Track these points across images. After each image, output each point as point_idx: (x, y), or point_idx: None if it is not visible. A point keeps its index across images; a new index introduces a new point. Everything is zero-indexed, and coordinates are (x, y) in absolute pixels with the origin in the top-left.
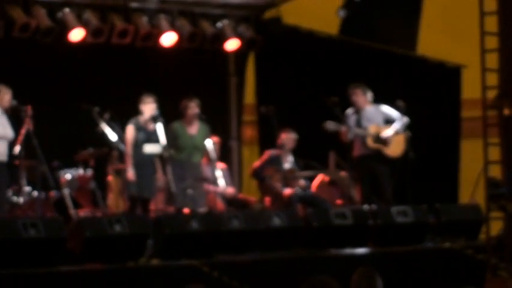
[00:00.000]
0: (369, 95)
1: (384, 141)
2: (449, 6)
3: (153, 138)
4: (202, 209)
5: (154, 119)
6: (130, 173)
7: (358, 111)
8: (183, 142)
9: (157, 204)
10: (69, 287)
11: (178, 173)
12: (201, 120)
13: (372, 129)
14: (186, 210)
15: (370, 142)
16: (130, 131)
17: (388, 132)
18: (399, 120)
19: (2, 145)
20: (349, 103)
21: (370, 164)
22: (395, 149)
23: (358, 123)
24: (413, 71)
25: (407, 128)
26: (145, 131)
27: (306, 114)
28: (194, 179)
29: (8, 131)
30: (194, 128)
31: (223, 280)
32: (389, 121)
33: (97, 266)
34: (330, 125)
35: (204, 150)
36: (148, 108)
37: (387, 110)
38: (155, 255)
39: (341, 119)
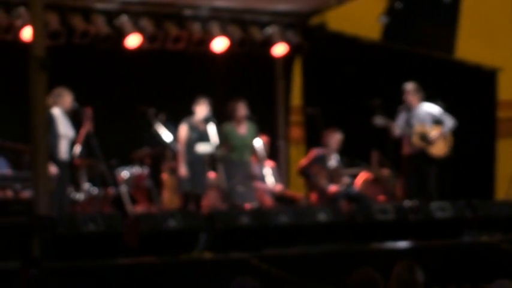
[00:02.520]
0: (421, 95)
1: (429, 141)
2: (485, 13)
3: (204, 137)
4: (252, 205)
5: (206, 120)
6: (183, 170)
7: (409, 109)
8: (235, 142)
9: (209, 201)
10: (126, 279)
11: (231, 172)
12: (249, 120)
13: (418, 128)
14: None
15: (415, 140)
16: (183, 130)
17: (433, 132)
18: (447, 122)
19: (64, 144)
20: (390, 105)
21: (417, 163)
22: (439, 149)
23: (408, 121)
24: (451, 74)
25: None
26: (197, 131)
27: (349, 115)
28: (244, 176)
29: (69, 131)
30: (244, 128)
31: (271, 272)
32: (438, 122)
33: (152, 259)
34: (379, 120)
35: (252, 148)
36: (201, 109)
37: (437, 111)
38: (207, 248)
39: (383, 119)
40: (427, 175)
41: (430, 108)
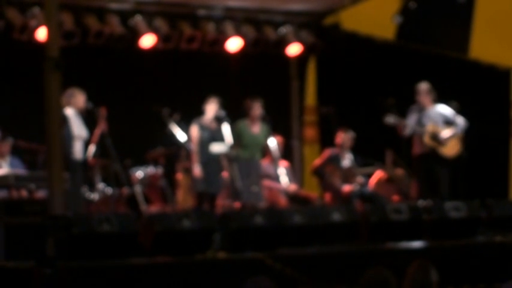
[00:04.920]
0: (434, 95)
1: (440, 141)
2: (500, 12)
3: (217, 137)
4: (262, 204)
5: (219, 119)
6: (197, 170)
7: (420, 109)
8: (247, 141)
9: (221, 200)
10: (140, 279)
11: (243, 171)
12: (262, 121)
13: (430, 127)
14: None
15: (427, 140)
16: (194, 130)
17: (445, 132)
18: (459, 123)
19: (78, 144)
20: (404, 104)
21: (429, 163)
22: (450, 150)
23: (419, 121)
24: (465, 73)
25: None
26: (209, 130)
27: (363, 114)
28: (257, 176)
29: (83, 131)
30: (257, 128)
31: (285, 272)
32: (449, 123)
33: (166, 258)
34: (390, 119)
35: (264, 149)
36: (211, 108)
37: (449, 112)
38: (221, 248)
39: (394, 118)
40: (439, 176)
41: (442, 109)
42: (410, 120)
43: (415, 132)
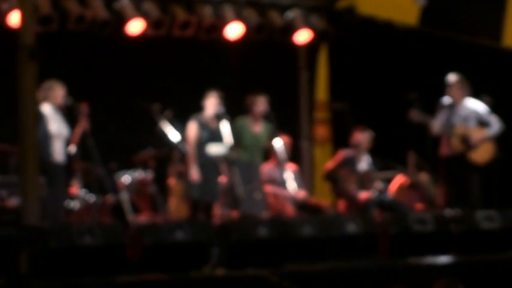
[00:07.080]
0: (467, 90)
1: (470, 145)
2: None
3: (217, 137)
4: (265, 214)
5: (218, 117)
6: (195, 173)
7: (452, 105)
8: (247, 140)
9: (219, 209)
10: None
11: (243, 175)
12: (265, 119)
13: (459, 128)
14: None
15: (455, 142)
16: (192, 128)
17: (476, 135)
18: (493, 125)
19: (58, 144)
20: (428, 99)
21: (457, 166)
22: (481, 156)
23: (449, 119)
24: (498, 63)
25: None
26: (208, 129)
27: (382, 111)
28: (259, 181)
29: (62, 129)
30: (259, 127)
31: None
32: (482, 123)
33: (157, 275)
34: (415, 115)
35: (267, 151)
36: (211, 103)
37: (483, 111)
38: (220, 264)
39: (420, 114)
40: (468, 181)
41: (476, 106)
42: (439, 119)
43: (443, 132)
